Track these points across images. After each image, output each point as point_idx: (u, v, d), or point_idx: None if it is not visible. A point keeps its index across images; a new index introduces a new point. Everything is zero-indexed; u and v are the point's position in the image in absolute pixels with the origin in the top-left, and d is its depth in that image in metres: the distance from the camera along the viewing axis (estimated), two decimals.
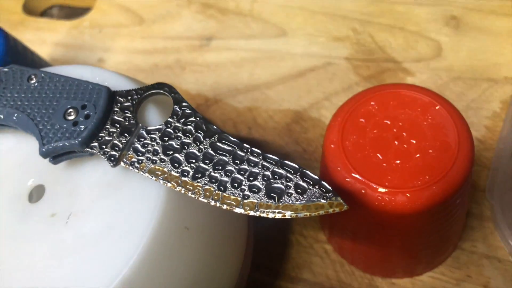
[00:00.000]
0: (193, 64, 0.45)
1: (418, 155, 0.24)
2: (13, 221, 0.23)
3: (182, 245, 0.21)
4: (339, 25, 0.44)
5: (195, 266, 0.22)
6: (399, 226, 0.26)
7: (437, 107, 0.25)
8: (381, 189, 0.24)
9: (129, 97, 0.23)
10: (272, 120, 0.40)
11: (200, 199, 0.20)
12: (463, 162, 0.24)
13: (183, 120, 0.22)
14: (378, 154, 0.25)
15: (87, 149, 0.22)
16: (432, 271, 0.32)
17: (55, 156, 0.23)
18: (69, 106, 0.23)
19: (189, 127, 0.22)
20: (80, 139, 0.22)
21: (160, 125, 0.22)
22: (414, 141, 0.25)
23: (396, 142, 0.25)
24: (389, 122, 0.26)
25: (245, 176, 0.20)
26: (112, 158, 0.22)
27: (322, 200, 0.20)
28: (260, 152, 0.21)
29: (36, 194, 0.23)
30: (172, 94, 0.23)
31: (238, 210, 0.20)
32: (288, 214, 0.20)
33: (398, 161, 0.24)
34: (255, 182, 0.20)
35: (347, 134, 0.25)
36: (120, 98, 0.23)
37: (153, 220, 0.21)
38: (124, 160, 0.22)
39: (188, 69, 0.45)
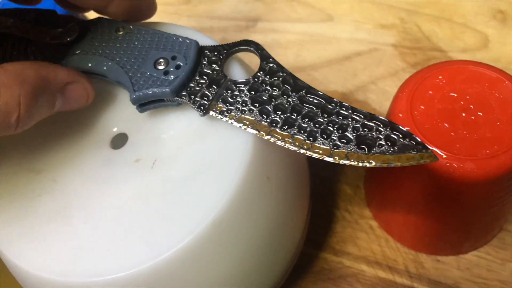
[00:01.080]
0: None
1: (485, 127, 0.25)
2: (97, 165, 0.23)
3: (263, 194, 0.22)
4: (386, 13, 0.44)
5: (273, 214, 0.23)
6: (462, 195, 0.26)
7: (505, 83, 0.26)
8: (451, 156, 0.25)
9: (216, 52, 0.24)
10: None
11: (289, 147, 0.21)
12: None
13: (270, 74, 0.23)
14: (446, 124, 0.26)
15: (177, 98, 0.23)
16: (477, 250, 0.33)
17: (143, 104, 0.23)
18: (159, 57, 0.23)
19: (277, 81, 0.23)
20: (171, 87, 0.22)
21: (247, 79, 0.23)
22: (481, 114, 0.26)
23: (463, 114, 0.26)
24: (456, 95, 0.26)
25: (335, 128, 0.21)
26: (202, 107, 0.22)
27: (413, 152, 0.20)
28: (349, 106, 0.22)
29: (120, 141, 0.24)
30: (259, 51, 0.24)
31: (329, 159, 0.21)
32: (379, 164, 0.20)
33: (465, 131, 0.25)
34: (345, 133, 0.21)
35: (416, 104, 0.26)
36: (208, 53, 0.24)
37: (240, 169, 0.21)
38: (214, 109, 0.22)
39: None
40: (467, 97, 0.26)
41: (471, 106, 0.26)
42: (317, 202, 0.37)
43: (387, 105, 0.40)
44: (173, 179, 0.22)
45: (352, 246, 0.35)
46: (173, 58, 0.23)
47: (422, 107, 0.26)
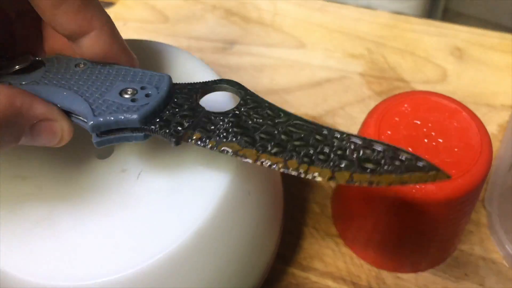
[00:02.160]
0: (216, 64, 0.48)
1: (445, 152, 0.28)
2: (83, 174, 0.24)
3: (243, 207, 0.24)
4: (355, 44, 0.48)
5: (252, 227, 0.24)
6: (422, 215, 0.29)
7: (462, 114, 0.29)
8: None
9: (192, 88, 0.22)
10: None
11: (284, 170, 0.19)
12: (484, 161, 0.27)
13: (254, 105, 0.22)
14: (410, 149, 0.28)
15: (145, 127, 0.20)
16: (434, 268, 0.35)
17: (103, 133, 0.21)
18: (126, 87, 0.21)
19: (261, 111, 0.21)
20: (139, 113, 0.20)
21: (230, 109, 0.21)
22: (441, 140, 0.28)
23: (426, 140, 0.28)
24: (419, 123, 0.29)
25: (333, 149, 0.20)
26: (175, 136, 0.20)
27: (426, 171, 0.19)
28: (344, 131, 0.20)
29: (106, 152, 0.25)
30: (242, 91, 0.22)
31: (332, 181, 0.19)
32: (387, 183, 0.19)
33: (427, 156, 0.28)
34: (346, 154, 0.19)
35: (383, 130, 0.29)
36: (182, 89, 0.22)
37: (223, 183, 0.23)
38: (189, 139, 0.21)
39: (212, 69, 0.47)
40: (429, 124, 0.29)
41: (433, 133, 0.28)
42: (286, 219, 0.39)
43: (353, 130, 0.43)
44: (159, 190, 0.23)
45: (319, 262, 0.36)
46: (143, 88, 0.21)
47: (388, 132, 0.29)
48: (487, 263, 0.35)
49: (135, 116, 0.20)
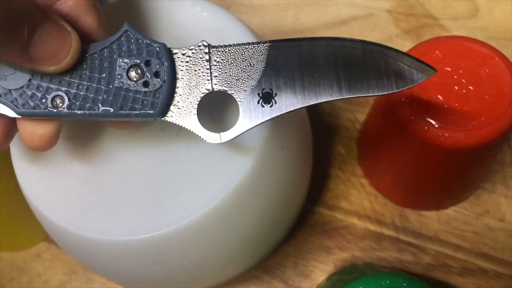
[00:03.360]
0: (238, 4, 0.47)
1: (475, 100, 0.28)
2: (124, 132, 0.25)
3: (278, 161, 0.25)
4: None
5: (286, 179, 0.26)
6: (450, 160, 0.29)
7: (495, 59, 0.29)
8: (443, 126, 0.27)
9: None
10: None
11: None
12: None
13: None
14: (440, 96, 0.28)
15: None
16: (456, 206, 0.37)
17: None
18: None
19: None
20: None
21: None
22: (471, 88, 0.28)
23: (456, 87, 0.28)
24: (450, 69, 0.29)
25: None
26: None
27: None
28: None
29: None
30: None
31: None
32: None
33: (457, 104, 0.28)
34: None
35: None
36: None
37: (259, 140, 0.24)
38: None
39: (233, 9, 0.46)
40: (460, 71, 0.29)
41: (463, 80, 0.28)
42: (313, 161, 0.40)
43: None
44: (198, 147, 0.24)
45: (344, 202, 0.38)
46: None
47: None
48: (508, 201, 0.37)
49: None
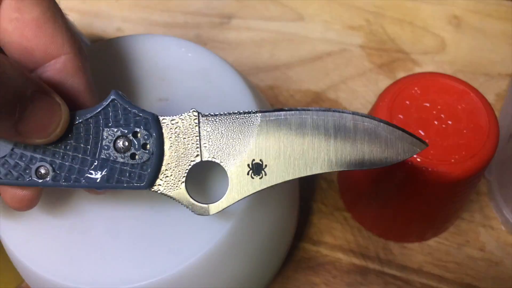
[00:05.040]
0: (214, 40, 0.47)
1: (454, 135, 0.29)
2: None
3: (269, 201, 0.25)
4: (353, 15, 0.47)
5: (278, 216, 0.25)
6: (432, 193, 0.30)
7: (470, 95, 0.30)
8: (426, 161, 0.28)
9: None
10: (293, 98, 0.44)
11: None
12: (492, 141, 0.28)
13: None
14: (421, 132, 0.29)
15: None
16: (438, 237, 0.37)
17: None
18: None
19: None
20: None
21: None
22: (450, 122, 0.29)
23: (436, 122, 0.29)
24: (429, 105, 0.30)
25: None
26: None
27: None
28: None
29: None
30: None
31: None
32: None
33: (438, 139, 0.29)
34: None
35: (395, 113, 0.29)
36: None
37: None
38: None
39: (210, 45, 0.47)
40: (439, 107, 0.30)
41: (442, 116, 0.29)
42: None
43: (356, 104, 0.43)
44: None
45: (329, 236, 0.38)
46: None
47: (400, 116, 0.29)
48: (487, 229, 0.37)
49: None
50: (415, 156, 0.28)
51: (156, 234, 0.22)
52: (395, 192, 0.32)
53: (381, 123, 0.21)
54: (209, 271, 0.22)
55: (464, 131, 0.29)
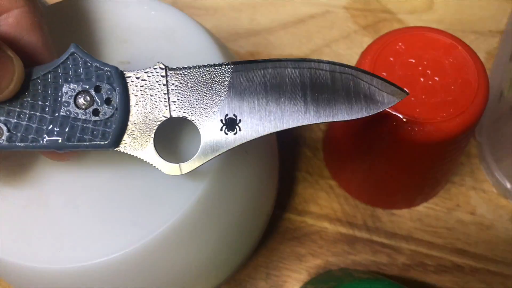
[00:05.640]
0: (190, 7, 0.44)
1: (441, 91, 0.27)
2: None
3: (242, 167, 0.23)
4: None
5: (252, 185, 0.24)
6: (420, 154, 0.28)
7: (458, 48, 0.28)
8: (412, 120, 0.26)
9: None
10: None
11: None
12: (481, 98, 0.27)
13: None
14: (406, 89, 0.27)
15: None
16: (427, 202, 0.36)
17: None
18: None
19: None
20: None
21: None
22: (437, 79, 0.27)
23: (421, 79, 0.27)
24: (414, 61, 0.28)
25: None
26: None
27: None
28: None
29: None
30: None
31: None
32: None
33: (424, 96, 0.27)
34: None
35: (378, 71, 0.28)
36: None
37: None
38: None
39: (186, 12, 0.44)
40: (425, 62, 0.28)
41: (428, 72, 0.28)
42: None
43: None
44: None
45: (314, 205, 0.37)
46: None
47: (384, 73, 0.27)
48: (477, 192, 0.36)
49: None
50: (400, 115, 0.26)
51: (118, 206, 0.21)
52: (381, 155, 0.30)
53: (360, 72, 0.19)
54: (180, 243, 0.21)
55: (452, 87, 0.27)
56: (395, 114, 0.27)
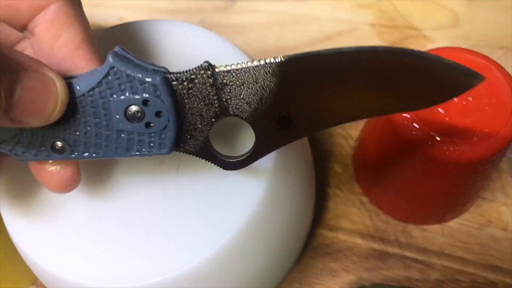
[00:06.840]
0: (219, 25, 0.46)
1: (476, 111, 0.27)
2: (122, 171, 0.24)
3: (287, 187, 0.24)
4: None
5: (295, 203, 0.24)
6: (454, 174, 0.29)
7: (491, 69, 0.28)
8: (447, 140, 0.27)
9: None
10: None
11: None
12: None
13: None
14: (441, 110, 0.28)
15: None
16: (459, 218, 0.36)
17: None
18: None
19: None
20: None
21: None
22: (471, 99, 0.28)
23: (455, 99, 0.28)
24: None
25: None
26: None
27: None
28: None
29: None
30: None
31: None
32: None
33: (458, 116, 0.27)
34: None
35: None
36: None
37: (267, 167, 0.22)
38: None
39: (215, 31, 0.45)
40: None
41: None
42: None
43: None
44: (201, 180, 0.23)
45: (346, 221, 0.37)
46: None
47: None
48: (509, 208, 0.36)
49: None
50: (435, 135, 0.27)
51: (170, 227, 0.22)
52: (414, 173, 0.31)
53: (427, 55, 0.18)
54: (230, 262, 0.22)
55: (486, 107, 0.28)
56: (430, 134, 0.27)
